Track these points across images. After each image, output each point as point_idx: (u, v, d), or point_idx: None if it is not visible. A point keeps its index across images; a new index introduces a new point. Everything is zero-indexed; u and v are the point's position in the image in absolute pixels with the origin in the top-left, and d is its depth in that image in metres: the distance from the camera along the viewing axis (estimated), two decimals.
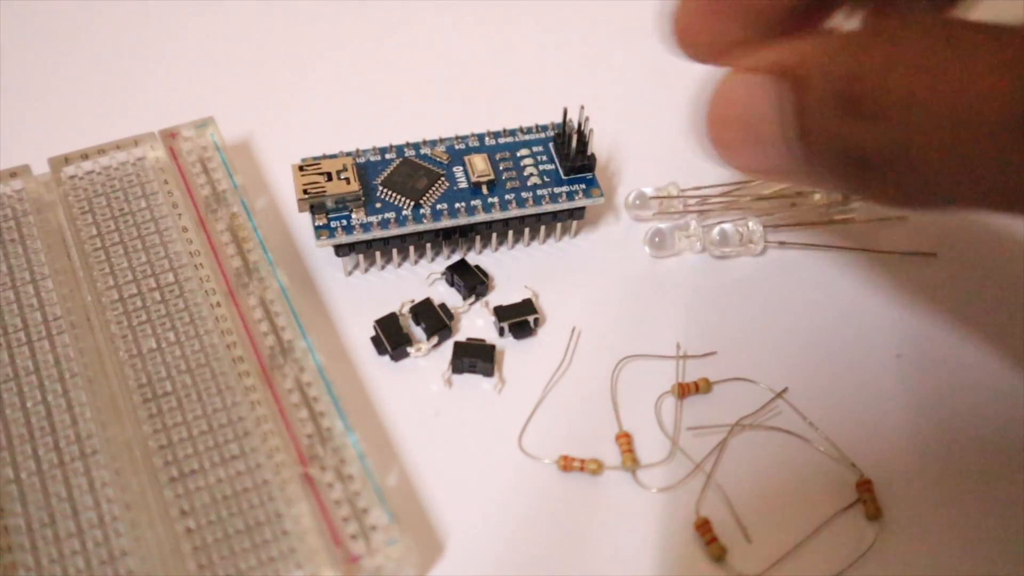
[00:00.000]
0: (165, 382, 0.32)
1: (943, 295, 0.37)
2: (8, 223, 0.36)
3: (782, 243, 0.38)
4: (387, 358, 0.36)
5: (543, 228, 0.38)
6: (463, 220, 0.37)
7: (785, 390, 0.35)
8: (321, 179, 0.36)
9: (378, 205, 0.36)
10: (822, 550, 0.32)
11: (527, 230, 0.39)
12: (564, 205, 0.37)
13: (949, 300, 0.37)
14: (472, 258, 0.38)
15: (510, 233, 0.38)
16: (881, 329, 0.37)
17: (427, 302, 0.36)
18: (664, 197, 0.39)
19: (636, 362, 0.35)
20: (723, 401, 0.35)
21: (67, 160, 0.37)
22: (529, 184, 0.37)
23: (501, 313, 0.36)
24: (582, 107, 0.37)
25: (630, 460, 0.33)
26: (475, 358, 0.35)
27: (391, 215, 0.36)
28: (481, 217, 0.37)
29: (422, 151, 0.38)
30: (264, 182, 0.41)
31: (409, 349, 0.36)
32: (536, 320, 0.36)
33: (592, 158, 0.37)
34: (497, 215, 0.37)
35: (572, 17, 0.48)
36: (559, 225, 0.38)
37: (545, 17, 0.48)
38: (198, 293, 0.34)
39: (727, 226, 0.38)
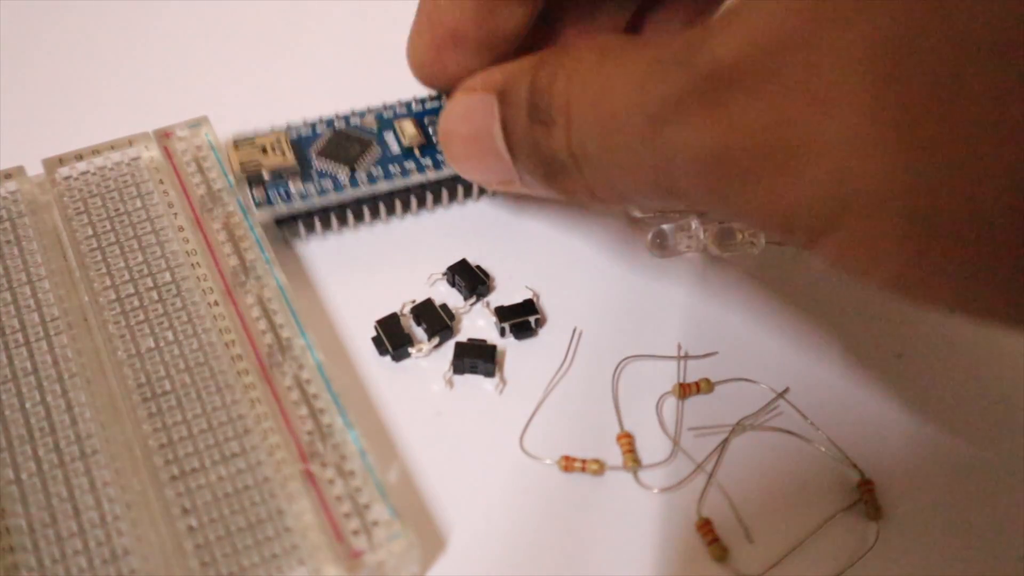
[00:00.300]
0: (164, 381, 0.32)
1: None
2: (3, 224, 0.36)
3: (782, 243, 0.38)
4: (388, 358, 0.35)
5: (476, 186, 0.40)
6: (399, 183, 0.37)
7: (786, 390, 0.35)
8: (256, 153, 0.37)
9: (314, 175, 0.37)
10: (823, 550, 0.32)
11: (460, 188, 0.39)
12: None
13: None
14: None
15: (444, 192, 0.39)
16: (882, 329, 0.37)
17: (428, 302, 0.36)
18: None
19: (637, 362, 0.35)
20: (724, 401, 0.35)
21: (61, 161, 0.37)
22: None
23: (502, 313, 0.36)
24: None
25: (631, 460, 0.33)
26: (476, 359, 0.35)
27: (328, 183, 0.37)
28: (416, 179, 0.38)
29: (352, 121, 0.39)
30: None
31: (410, 349, 0.35)
32: (537, 320, 0.36)
33: None
34: (432, 176, 0.38)
35: None
36: None
37: None
38: (195, 292, 0.34)
39: (728, 226, 0.38)
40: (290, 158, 0.37)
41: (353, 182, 0.37)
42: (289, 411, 0.31)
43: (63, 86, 0.44)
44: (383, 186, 0.37)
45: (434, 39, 0.33)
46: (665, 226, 0.39)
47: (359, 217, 0.39)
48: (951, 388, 0.35)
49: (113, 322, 0.33)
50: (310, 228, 0.38)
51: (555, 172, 0.29)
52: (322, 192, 0.37)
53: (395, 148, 0.38)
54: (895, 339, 0.36)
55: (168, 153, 0.38)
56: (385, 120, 0.39)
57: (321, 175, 0.37)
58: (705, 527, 0.32)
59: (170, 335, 0.33)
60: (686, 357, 0.36)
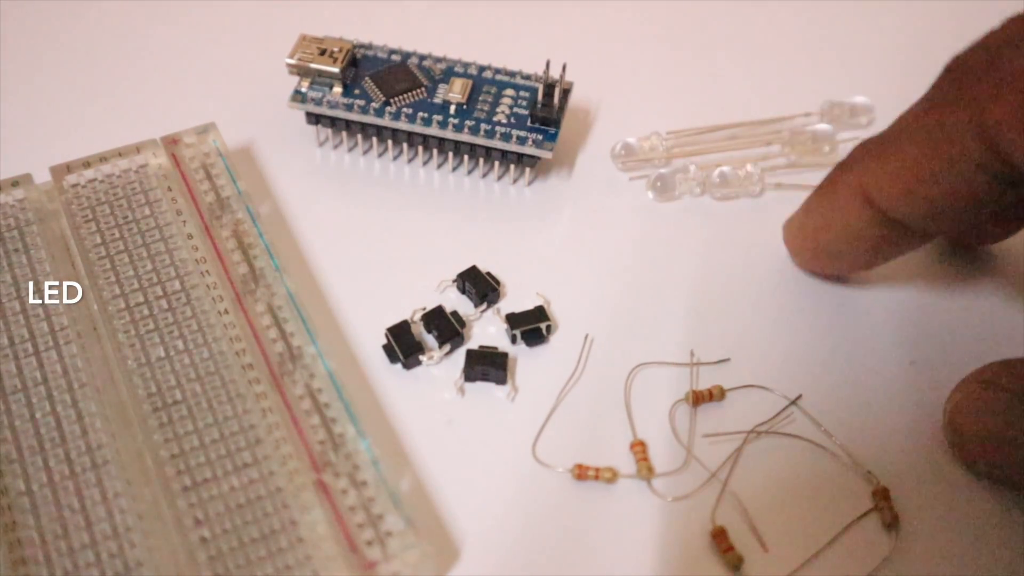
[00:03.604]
0: (175, 390, 0.32)
1: (955, 300, 0.37)
2: (11, 232, 0.36)
3: (779, 184, 0.41)
4: (399, 366, 0.35)
5: (496, 164, 0.40)
6: (417, 128, 0.39)
7: (799, 397, 0.35)
8: (315, 52, 0.40)
9: (356, 91, 0.40)
10: (839, 559, 0.31)
11: (480, 160, 0.40)
12: (511, 147, 0.39)
13: (961, 305, 0.37)
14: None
15: (465, 158, 0.40)
16: (895, 335, 0.36)
17: (439, 310, 0.36)
18: (640, 159, 0.41)
19: (649, 369, 0.35)
20: (737, 408, 0.34)
21: (69, 168, 0.37)
22: (494, 119, 0.39)
23: (513, 320, 0.36)
24: (564, 65, 0.39)
25: (645, 469, 0.33)
26: (488, 366, 0.35)
27: (361, 102, 0.40)
28: (434, 131, 0.39)
29: (424, 63, 0.41)
30: (268, 187, 0.41)
31: (421, 357, 0.35)
32: (548, 327, 0.36)
33: (558, 115, 0.39)
34: (449, 134, 0.39)
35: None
36: (512, 167, 0.41)
37: None
38: (205, 300, 0.34)
39: (726, 168, 0.40)
40: (336, 67, 0.39)
41: (379, 111, 0.39)
42: (301, 420, 0.31)
43: (70, 93, 0.44)
44: (404, 125, 0.39)
45: (815, 252, 0.37)
46: (664, 170, 0.40)
47: (383, 147, 0.41)
48: None
49: (123, 331, 0.33)
50: (338, 139, 0.42)
51: None
52: (348, 108, 0.40)
53: (437, 98, 0.40)
54: (908, 345, 0.36)
55: (176, 160, 0.38)
56: (450, 72, 0.41)
57: (359, 94, 0.40)
58: (720, 536, 0.31)
59: (180, 344, 0.33)
60: (698, 364, 0.35)
